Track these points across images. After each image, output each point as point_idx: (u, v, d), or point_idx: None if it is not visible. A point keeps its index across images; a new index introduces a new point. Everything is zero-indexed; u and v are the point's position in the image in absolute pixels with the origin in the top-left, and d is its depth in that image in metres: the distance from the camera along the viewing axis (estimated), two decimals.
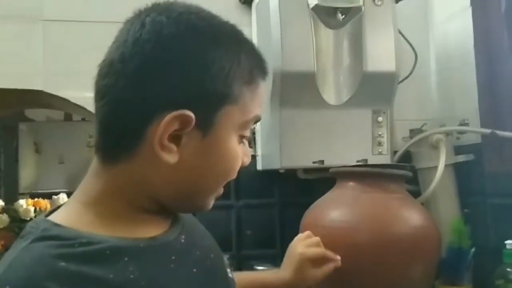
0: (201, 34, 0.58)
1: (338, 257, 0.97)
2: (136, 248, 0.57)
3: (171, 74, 0.56)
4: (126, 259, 0.54)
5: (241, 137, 0.63)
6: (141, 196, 0.60)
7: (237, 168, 0.63)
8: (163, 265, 0.58)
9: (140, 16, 0.59)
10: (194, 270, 0.62)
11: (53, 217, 0.57)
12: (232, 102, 0.59)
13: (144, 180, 0.59)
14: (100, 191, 0.59)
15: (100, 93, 0.59)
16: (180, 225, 0.66)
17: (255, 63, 0.62)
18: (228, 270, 0.72)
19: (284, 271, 0.95)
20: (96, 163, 0.61)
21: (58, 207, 0.61)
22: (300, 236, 1.01)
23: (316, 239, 0.99)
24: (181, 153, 0.57)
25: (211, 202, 0.66)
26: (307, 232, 1.01)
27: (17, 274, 0.49)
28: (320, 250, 0.97)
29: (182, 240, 0.64)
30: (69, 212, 0.59)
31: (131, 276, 0.53)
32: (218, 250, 0.72)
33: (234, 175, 0.64)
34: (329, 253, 0.97)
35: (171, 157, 0.57)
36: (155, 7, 0.59)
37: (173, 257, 0.60)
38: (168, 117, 0.55)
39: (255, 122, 0.65)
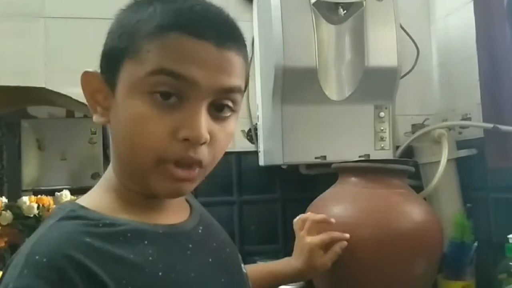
0: (135, 2, 0.62)
1: (346, 235, 0.98)
2: (155, 233, 0.59)
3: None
4: (145, 242, 0.57)
5: (158, 94, 0.56)
6: (122, 176, 0.62)
7: (147, 131, 0.56)
8: (180, 252, 0.61)
9: None
10: (210, 260, 0.64)
11: (80, 201, 0.60)
12: (130, 56, 0.57)
13: (112, 152, 0.64)
14: (112, 178, 0.63)
15: None
16: (198, 217, 0.68)
17: (169, 16, 0.57)
18: (242, 265, 0.73)
19: (295, 260, 0.96)
20: None
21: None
22: (301, 217, 1.02)
23: (320, 217, 1.00)
24: (107, 114, 0.60)
25: (156, 184, 0.58)
26: (309, 214, 1.03)
27: (46, 246, 0.52)
28: (327, 235, 0.98)
29: (200, 231, 0.66)
30: (93, 197, 0.62)
31: (150, 258, 0.56)
32: (233, 245, 0.74)
33: (147, 142, 0.56)
34: (336, 234, 0.98)
35: (97, 117, 0.61)
36: None
37: (190, 245, 0.62)
38: (82, 76, 0.61)
39: (173, 78, 0.56)
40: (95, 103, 0.61)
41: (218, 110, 0.59)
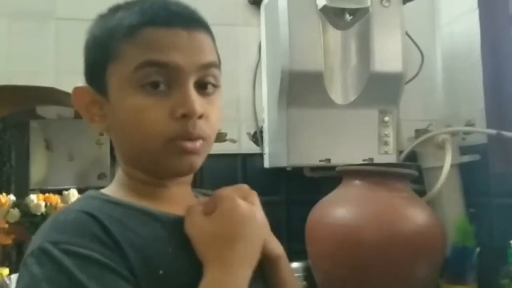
0: (100, 16, 0.69)
1: None
2: (168, 219, 0.64)
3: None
4: (159, 225, 0.62)
5: (148, 85, 0.61)
6: (131, 170, 0.67)
7: (148, 118, 0.61)
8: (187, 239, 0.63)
9: None
10: None
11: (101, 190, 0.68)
12: (111, 60, 0.63)
13: (117, 154, 0.69)
14: (121, 172, 0.69)
15: None
16: None
17: (134, 16, 0.63)
18: None
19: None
20: None
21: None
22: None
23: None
24: (105, 120, 0.66)
25: (171, 162, 0.63)
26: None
27: (71, 211, 0.59)
28: None
29: None
30: (111, 188, 0.69)
31: (163, 236, 0.61)
32: None
33: (151, 127, 0.61)
34: None
35: (98, 126, 0.67)
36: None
37: None
38: (73, 92, 0.67)
39: (158, 67, 0.61)
40: (91, 114, 0.67)
41: (202, 88, 0.65)
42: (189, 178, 0.72)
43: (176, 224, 0.63)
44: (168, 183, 0.68)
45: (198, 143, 0.63)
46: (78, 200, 0.66)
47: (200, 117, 0.62)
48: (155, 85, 0.61)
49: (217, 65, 0.67)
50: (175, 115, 0.61)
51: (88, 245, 0.54)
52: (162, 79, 0.62)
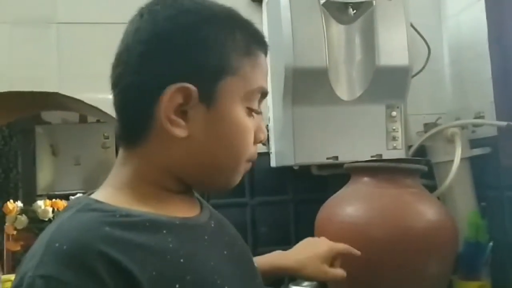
0: (194, 14, 0.62)
1: (358, 253, 0.95)
2: (173, 224, 0.60)
3: (168, 54, 0.60)
4: (164, 231, 0.58)
5: (249, 109, 0.65)
6: (165, 177, 0.64)
7: (249, 141, 0.65)
8: (198, 242, 0.63)
9: (140, 10, 0.64)
10: (225, 252, 0.66)
11: (93, 196, 0.62)
12: (231, 73, 0.62)
13: (163, 160, 0.63)
14: (128, 176, 0.63)
15: (113, 84, 0.64)
16: (209, 212, 0.71)
17: (251, 37, 0.65)
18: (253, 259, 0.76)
19: (297, 256, 0.93)
20: (121, 150, 0.66)
21: (91, 192, 0.65)
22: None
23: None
24: (190, 127, 0.61)
25: (235, 179, 0.67)
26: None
27: (66, 234, 0.52)
28: (346, 249, 0.95)
29: (212, 225, 0.68)
30: (104, 194, 0.62)
31: (171, 246, 0.57)
32: (243, 240, 0.76)
33: (247, 149, 0.65)
34: (354, 251, 0.95)
35: (181, 132, 0.60)
36: (153, 1, 0.65)
37: (206, 237, 0.64)
38: (169, 90, 0.59)
39: (263, 97, 0.67)
40: (179, 118, 0.60)
41: None
42: None
43: (182, 228, 0.61)
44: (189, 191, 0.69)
45: None
46: (72, 214, 0.56)
47: None
48: (254, 110, 0.66)
49: None
50: (256, 140, 0.67)
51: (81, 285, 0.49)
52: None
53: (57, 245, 0.51)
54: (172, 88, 0.59)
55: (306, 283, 1.15)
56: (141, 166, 0.63)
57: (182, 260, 0.57)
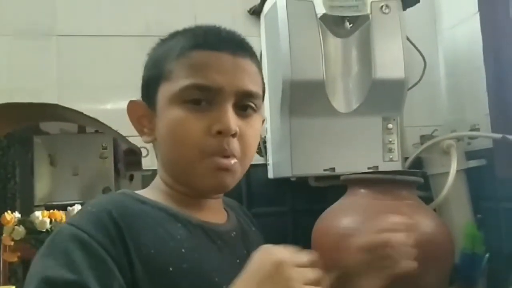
0: (160, 41, 0.76)
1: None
2: (189, 221, 0.69)
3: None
4: (179, 225, 0.67)
5: (185, 102, 0.67)
6: (169, 179, 0.72)
7: (191, 133, 0.67)
8: (207, 242, 0.69)
9: None
10: (238, 261, 0.69)
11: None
12: (165, 79, 0.70)
13: (159, 163, 0.75)
14: (157, 179, 0.75)
15: None
16: (234, 224, 0.77)
17: (188, 40, 0.70)
18: None
19: None
20: None
21: None
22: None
23: None
24: (153, 133, 0.72)
25: (204, 175, 0.68)
26: None
27: (97, 202, 0.67)
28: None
29: (233, 235, 0.75)
30: (143, 190, 0.75)
31: (178, 237, 0.66)
32: None
33: (192, 141, 0.67)
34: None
35: (146, 138, 0.74)
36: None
37: (219, 242, 0.70)
38: (128, 105, 0.74)
39: (201, 90, 0.67)
40: (142, 126, 0.74)
41: (242, 109, 0.70)
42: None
43: (197, 228, 0.68)
44: (204, 196, 0.73)
45: (232, 161, 0.68)
46: (111, 194, 0.75)
47: (234, 135, 0.67)
48: (196, 102, 0.67)
49: (258, 95, 0.72)
50: (210, 131, 0.66)
51: (95, 236, 0.61)
52: (204, 98, 0.68)
53: (89, 207, 0.65)
54: (128, 104, 0.74)
55: None
56: (159, 174, 0.76)
57: (183, 250, 0.64)
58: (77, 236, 0.60)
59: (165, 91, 0.69)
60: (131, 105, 0.74)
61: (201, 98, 0.67)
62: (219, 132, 0.66)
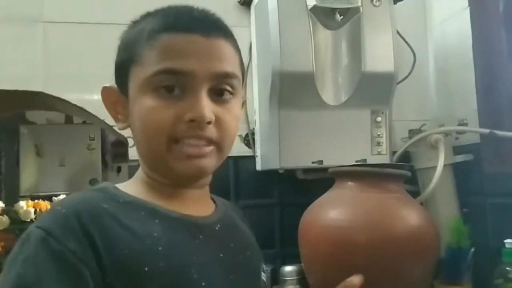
0: (133, 22, 0.72)
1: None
2: (167, 216, 0.66)
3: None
4: (156, 221, 0.64)
5: (157, 88, 0.64)
6: (148, 171, 0.70)
7: (161, 120, 0.63)
8: (187, 237, 0.65)
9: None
10: (221, 255, 0.67)
11: (116, 184, 0.70)
12: (136, 63, 0.66)
13: (137, 153, 0.71)
14: (141, 172, 0.71)
15: None
16: (221, 216, 0.73)
17: (158, 22, 0.66)
18: (263, 273, 0.77)
19: None
20: None
21: None
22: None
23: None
24: (127, 119, 0.69)
25: (176, 162, 0.65)
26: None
27: (69, 202, 0.63)
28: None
29: (217, 228, 0.71)
30: (127, 183, 0.72)
31: (155, 234, 0.62)
32: (258, 253, 0.78)
33: (162, 127, 0.63)
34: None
35: (120, 125, 0.71)
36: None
37: (201, 236, 0.67)
38: (102, 90, 0.71)
39: (172, 75, 0.64)
40: (116, 113, 0.71)
41: (218, 94, 0.66)
42: (206, 180, 0.73)
43: (177, 222, 0.65)
44: (184, 185, 0.70)
45: (207, 148, 0.65)
46: (86, 192, 0.68)
47: (209, 122, 0.64)
48: (169, 89, 0.64)
49: (235, 76, 0.68)
50: (182, 119, 0.63)
51: (65, 242, 0.57)
52: (177, 84, 0.64)
53: (59, 208, 0.61)
54: (102, 89, 0.71)
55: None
56: (140, 164, 0.72)
57: (160, 248, 0.61)
58: (47, 243, 0.56)
59: (136, 76, 0.66)
60: (105, 90, 0.71)
61: (174, 84, 0.63)
62: (192, 120, 0.63)
